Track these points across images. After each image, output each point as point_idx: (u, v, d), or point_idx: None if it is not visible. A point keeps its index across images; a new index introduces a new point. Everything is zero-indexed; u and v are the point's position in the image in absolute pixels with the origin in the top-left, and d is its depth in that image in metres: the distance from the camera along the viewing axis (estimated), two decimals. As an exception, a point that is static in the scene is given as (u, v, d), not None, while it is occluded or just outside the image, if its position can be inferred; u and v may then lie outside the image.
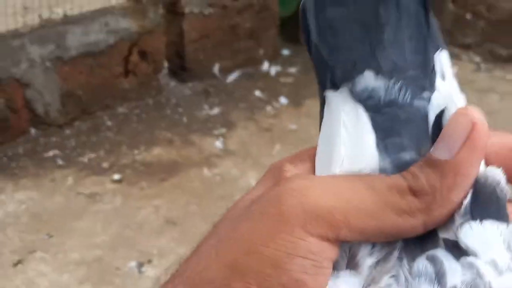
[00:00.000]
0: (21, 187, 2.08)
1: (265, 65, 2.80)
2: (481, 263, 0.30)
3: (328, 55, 0.36)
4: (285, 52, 2.91)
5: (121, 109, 2.47)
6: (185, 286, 0.34)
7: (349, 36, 0.35)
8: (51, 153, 2.24)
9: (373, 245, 0.33)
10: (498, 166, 0.34)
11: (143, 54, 2.49)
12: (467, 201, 0.32)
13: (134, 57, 2.47)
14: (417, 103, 0.35)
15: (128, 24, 2.43)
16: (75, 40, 2.31)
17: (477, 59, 2.95)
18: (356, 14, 0.35)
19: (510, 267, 0.31)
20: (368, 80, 0.34)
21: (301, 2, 0.37)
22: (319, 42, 0.36)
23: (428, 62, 0.36)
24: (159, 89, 2.56)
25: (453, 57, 2.70)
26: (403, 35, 0.35)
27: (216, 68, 2.69)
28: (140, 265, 1.81)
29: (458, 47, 2.99)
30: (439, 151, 0.32)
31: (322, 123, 0.36)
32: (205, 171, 2.18)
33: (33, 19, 2.37)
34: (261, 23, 2.78)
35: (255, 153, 2.28)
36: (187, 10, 2.54)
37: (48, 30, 2.29)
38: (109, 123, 2.41)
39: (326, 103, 0.36)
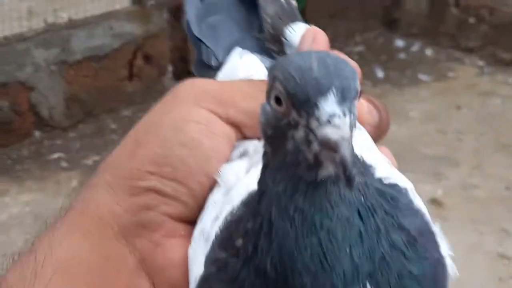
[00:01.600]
0: (26, 189, 2.09)
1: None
2: None
3: (214, 45, 0.50)
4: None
5: (125, 112, 2.48)
6: (105, 170, 0.42)
7: (225, 31, 0.51)
8: (55, 156, 2.26)
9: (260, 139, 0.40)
10: None
11: (147, 58, 2.51)
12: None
13: (139, 61, 2.49)
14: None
15: (132, 28, 2.45)
16: (80, 44, 2.33)
17: (480, 63, 2.96)
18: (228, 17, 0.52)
19: None
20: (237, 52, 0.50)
21: (185, 18, 0.51)
22: (204, 39, 0.50)
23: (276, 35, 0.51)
24: (163, 93, 2.55)
25: (457, 61, 2.71)
26: (251, 31, 0.51)
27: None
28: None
29: (462, 51, 3.02)
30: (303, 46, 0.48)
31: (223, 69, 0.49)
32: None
33: (38, 23, 2.39)
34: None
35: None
36: (191, 12, 2.57)
37: (53, 34, 2.30)
38: (113, 126, 2.42)
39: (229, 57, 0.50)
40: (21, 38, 2.26)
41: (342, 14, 3.08)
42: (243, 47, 0.50)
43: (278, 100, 0.34)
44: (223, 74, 0.48)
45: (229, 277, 0.36)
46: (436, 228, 0.39)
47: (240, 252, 0.36)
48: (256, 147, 0.41)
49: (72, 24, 2.37)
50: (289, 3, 0.51)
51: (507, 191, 2.18)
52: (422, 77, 2.86)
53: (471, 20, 3.00)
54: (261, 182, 0.36)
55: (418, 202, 0.40)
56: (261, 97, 0.37)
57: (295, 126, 0.33)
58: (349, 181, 0.31)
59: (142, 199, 0.38)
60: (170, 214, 0.39)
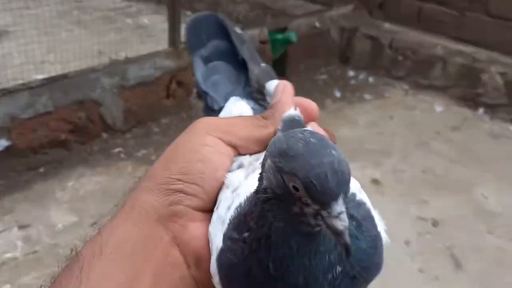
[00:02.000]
0: (96, 173, 2.09)
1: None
2: None
3: (215, 95, 0.51)
4: (275, 82, 2.93)
5: (164, 120, 2.48)
6: (147, 178, 0.42)
7: (223, 85, 0.52)
8: (116, 150, 2.25)
9: (251, 156, 0.43)
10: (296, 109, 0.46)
11: (179, 84, 2.51)
12: (281, 125, 0.43)
13: (173, 86, 2.49)
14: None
15: (169, 63, 2.45)
16: (133, 74, 2.32)
17: (406, 87, 2.97)
18: (225, 76, 0.53)
19: None
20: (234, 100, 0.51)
21: (194, 79, 0.53)
22: (209, 91, 0.52)
23: (259, 90, 0.51)
24: (189, 107, 2.58)
25: (390, 85, 2.72)
26: (240, 85, 0.52)
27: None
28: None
29: (393, 78, 3.03)
30: (274, 100, 0.46)
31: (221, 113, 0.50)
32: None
33: (104, 60, 2.40)
34: (259, 62, 2.80)
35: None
36: (209, 53, 2.57)
37: (115, 67, 2.31)
38: (156, 129, 2.42)
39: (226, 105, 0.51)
40: (93, 70, 2.27)
41: (312, 54, 3.08)
42: (237, 96, 0.51)
43: (295, 188, 0.32)
44: (223, 114, 0.49)
45: (239, 254, 0.36)
46: (374, 213, 0.39)
47: (247, 242, 0.36)
48: (248, 161, 0.42)
49: (128, 60, 2.37)
50: (267, 67, 0.52)
51: (423, 174, 2.20)
52: (366, 96, 2.86)
53: (400, 57, 3.01)
54: (256, 201, 0.35)
55: (363, 197, 0.39)
56: (249, 127, 0.44)
57: (307, 205, 0.32)
58: (348, 253, 0.31)
59: (172, 197, 0.39)
60: (192, 207, 0.40)
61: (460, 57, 2.83)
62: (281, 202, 0.33)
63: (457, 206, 2.00)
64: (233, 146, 0.43)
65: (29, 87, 2.08)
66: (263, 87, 0.49)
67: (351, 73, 3.11)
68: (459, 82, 2.82)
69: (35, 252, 1.69)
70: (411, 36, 3.03)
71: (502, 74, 2.69)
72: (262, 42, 2.78)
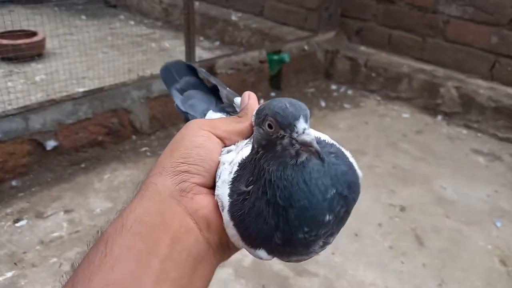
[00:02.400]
0: (127, 168, 2.09)
1: (261, 101, 2.81)
2: None
3: (193, 115, 0.55)
4: (272, 94, 2.92)
5: (181, 125, 2.47)
6: (156, 166, 0.42)
7: (197, 106, 0.56)
8: (143, 149, 2.25)
9: (235, 144, 0.44)
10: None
11: (194, 95, 2.51)
12: (253, 119, 0.42)
13: (190, 97, 2.49)
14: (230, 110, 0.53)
15: (186, 78, 2.45)
16: (157, 87, 2.32)
17: (378, 98, 2.97)
18: (198, 99, 0.56)
19: None
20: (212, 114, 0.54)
21: (175, 104, 0.55)
22: (188, 112, 0.55)
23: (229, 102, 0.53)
24: (203, 114, 2.58)
25: (365, 97, 2.73)
26: (212, 104, 0.56)
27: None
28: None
29: (368, 91, 3.03)
30: (243, 105, 0.48)
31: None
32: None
33: (134, 76, 2.40)
34: (258, 78, 2.80)
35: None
36: (218, 71, 2.56)
37: (142, 82, 2.31)
38: (175, 133, 2.41)
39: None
40: (124, 84, 2.27)
41: (302, 71, 3.09)
42: (212, 110, 0.53)
43: (269, 126, 0.35)
44: None
45: (247, 202, 0.37)
46: (347, 152, 0.43)
47: (253, 192, 0.37)
48: (234, 147, 0.44)
49: (153, 76, 2.37)
50: (230, 90, 0.55)
51: (393, 169, 2.20)
52: (346, 106, 2.86)
53: (373, 74, 3.02)
54: (254, 163, 0.37)
55: (335, 143, 0.43)
56: (230, 123, 0.45)
57: (282, 137, 0.35)
58: (322, 159, 0.34)
59: (180, 177, 0.39)
60: (197, 183, 0.40)
61: (422, 74, 2.84)
62: (268, 150, 0.36)
63: (420, 195, 2.00)
64: (220, 138, 0.44)
65: (72, 98, 2.08)
66: (232, 101, 0.52)
67: (333, 86, 3.12)
68: (421, 94, 2.83)
69: (77, 232, 1.69)
70: (383, 57, 3.03)
71: (457, 88, 2.70)
72: (261, 62, 2.78)
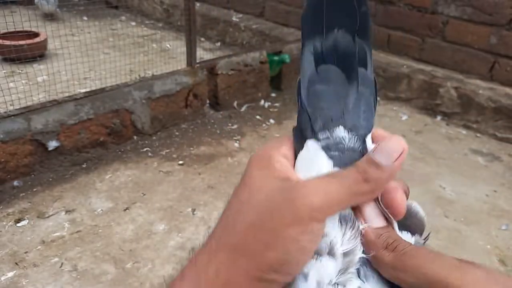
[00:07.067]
0: (128, 168, 2.08)
1: (262, 102, 2.81)
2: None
3: (312, 113, 0.32)
4: (273, 94, 2.91)
5: (183, 126, 2.48)
6: (217, 246, 0.29)
7: (327, 102, 0.32)
8: (145, 149, 2.24)
9: (342, 241, 0.29)
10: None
11: (195, 96, 2.51)
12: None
13: (191, 97, 2.49)
14: (360, 147, 0.32)
15: (187, 79, 2.45)
16: (158, 88, 2.32)
17: (378, 98, 2.95)
18: (333, 90, 0.33)
19: None
20: (339, 132, 0.32)
21: (298, 78, 0.34)
22: (307, 104, 0.32)
23: (370, 128, 0.34)
24: (204, 115, 2.58)
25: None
26: (360, 107, 0.33)
27: (235, 103, 2.70)
28: (194, 210, 1.81)
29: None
30: (380, 157, 0.29)
31: (300, 153, 0.32)
32: (229, 159, 2.19)
33: (135, 77, 2.40)
34: (259, 79, 2.79)
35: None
36: (219, 72, 2.56)
37: (144, 83, 2.30)
38: (176, 133, 2.42)
39: (305, 145, 0.32)
40: (126, 85, 2.26)
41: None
42: (316, 140, 0.32)
43: None
44: (302, 160, 0.32)
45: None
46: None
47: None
48: (327, 246, 0.30)
49: (154, 77, 2.36)
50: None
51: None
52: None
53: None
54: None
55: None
56: (347, 198, 0.28)
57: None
58: None
59: (263, 285, 0.28)
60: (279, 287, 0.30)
61: (421, 75, 2.83)
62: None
63: (420, 194, 1.99)
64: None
65: (74, 99, 2.08)
66: (366, 136, 0.33)
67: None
68: (421, 94, 2.82)
69: (79, 231, 1.68)
70: (382, 57, 3.02)
71: (456, 88, 2.69)
72: (262, 63, 2.78)
